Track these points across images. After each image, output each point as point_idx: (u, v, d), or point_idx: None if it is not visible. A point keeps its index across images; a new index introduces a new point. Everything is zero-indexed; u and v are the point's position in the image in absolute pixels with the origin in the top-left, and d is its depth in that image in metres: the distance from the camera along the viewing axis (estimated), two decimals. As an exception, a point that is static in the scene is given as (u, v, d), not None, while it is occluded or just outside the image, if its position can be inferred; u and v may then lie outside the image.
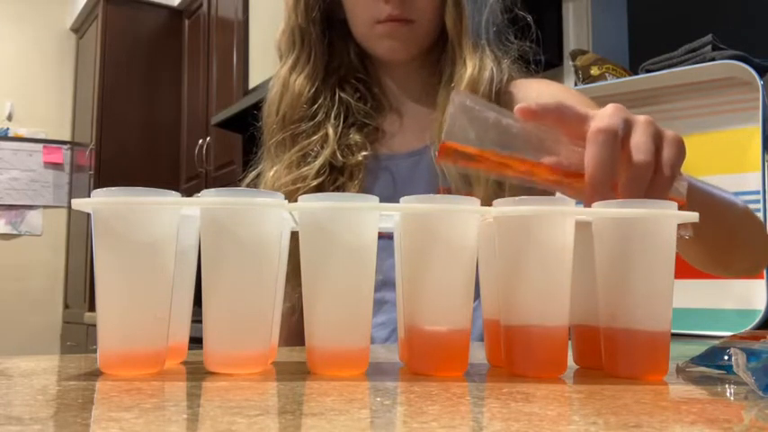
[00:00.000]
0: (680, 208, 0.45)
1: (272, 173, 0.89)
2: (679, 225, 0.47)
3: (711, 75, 1.16)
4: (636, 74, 1.35)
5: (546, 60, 1.79)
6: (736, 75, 1.13)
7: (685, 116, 1.20)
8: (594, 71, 1.45)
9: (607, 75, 1.44)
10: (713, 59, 1.19)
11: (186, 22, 3.71)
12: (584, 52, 1.52)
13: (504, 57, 0.88)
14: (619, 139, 0.47)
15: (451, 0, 0.84)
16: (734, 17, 1.54)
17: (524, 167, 0.49)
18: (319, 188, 0.83)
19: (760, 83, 1.11)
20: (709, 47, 1.24)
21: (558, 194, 0.58)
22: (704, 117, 1.18)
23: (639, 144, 0.48)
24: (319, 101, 0.90)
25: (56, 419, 0.30)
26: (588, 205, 0.46)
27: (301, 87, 0.89)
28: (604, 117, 0.48)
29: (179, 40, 3.72)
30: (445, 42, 0.88)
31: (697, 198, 0.61)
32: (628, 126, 0.49)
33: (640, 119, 0.50)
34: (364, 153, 0.88)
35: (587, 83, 1.43)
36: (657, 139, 0.49)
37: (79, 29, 4.00)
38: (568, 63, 1.65)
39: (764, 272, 1.08)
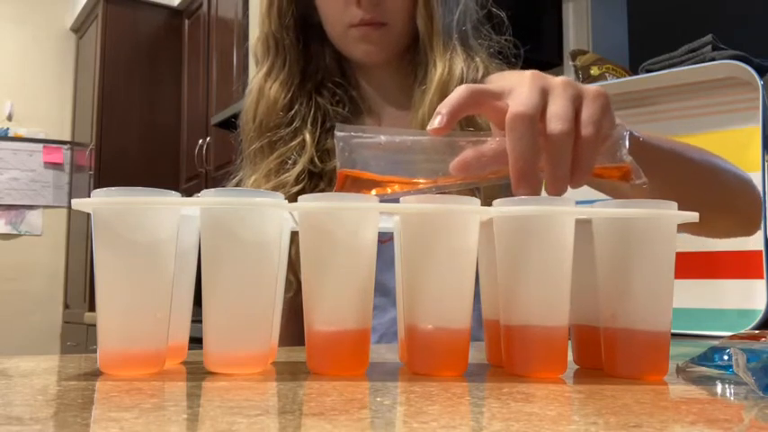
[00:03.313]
0: (626, 173, 0.43)
1: (251, 181, 0.89)
2: (633, 173, 0.46)
3: (711, 75, 1.16)
4: (636, 74, 1.35)
5: (546, 60, 1.80)
6: (736, 75, 1.13)
7: (685, 116, 1.20)
8: (594, 71, 1.45)
9: (607, 75, 1.45)
10: (713, 59, 1.19)
11: (186, 22, 3.71)
12: (584, 52, 1.52)
13: (477, 54, 0.88)
14: (536, 119, 0.45)
15: (422, 1, 0.83)
16: (734, 17, 1.54)
17: (428, 185, 0.48)
18: (300, 195, 0.83)
19: (760, 83, 1.11)
20: (710, 47, 1.24)
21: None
22: (704, 117, 1.18)
23: (554, 113, 0.46)
24: (296, 107, 0.89)
25: (56, 419, 0.30)
26: (516, 193, 0.45)
27: (277, 94, 0.89)
28: (519, 97, 0.46)
29: (179, 40, 3.72)
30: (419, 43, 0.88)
31: (654, 154, 0.59)
32: (544, 97, 0.47)
33: (557, 83, 0.48)
34: None
35: (587, 83, 1.43)
36: (576, 100, 0.47)
37: (79, 29, 4.00)
38: (568, 63, 1.65)
39: (764, 272, 1.08)
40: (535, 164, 0.46)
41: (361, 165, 0.48)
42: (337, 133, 0.48)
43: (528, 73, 0.48)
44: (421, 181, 0.48)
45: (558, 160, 0.46)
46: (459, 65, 0.84)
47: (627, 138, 0.49)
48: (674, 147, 0.67)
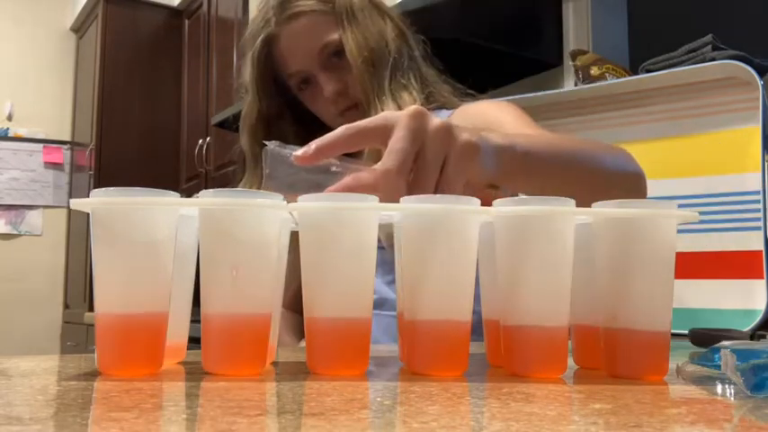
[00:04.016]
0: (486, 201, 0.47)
1: (242, 182, 0.99)
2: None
3: (711, 75, 1.16)
4: (636, 74, 1.35)
5: (546, 60, 1.79)
6: (736, 75, 1.13)
7: (685, 116, 1.20)
8: (594, 71, 1.45)
9: (607, 75, 1.44)
10: (713, 59, 1.19)
11: (186, 22, 3.70)
12: (584, 52, 1.52)
13: (429, 92, 0.98)
14: (405, 173, 0.49)
15: (366, 76, 0.94)
16: (734, 17, 1.54)
17: None
18: None
19: (760, 83, 1.11)
20: (710, 47, 1.24)
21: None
22: (704, 117, 1.18)
23: (418, 181, 0.50)
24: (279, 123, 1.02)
25: (56, 419, 0.30)
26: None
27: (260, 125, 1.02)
28: (393, 147, 0.49)
29: (179, 40, 3.72)
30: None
31: (538, 164, 0.62)
32: (418, 142, 0.50)
33: (430, 136, 0.50)
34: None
35: (587, 83, 1.43)
36: (445, 150, 0.51)
37: (79, 29, 4.00)
38: (568, 63, 1.65)
39: (764, 272, 1.08)
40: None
41: (276, 175, 0.52)
42: (267, 147, 0.52)
43: (404, 120, 0.50)
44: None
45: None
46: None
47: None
48: (560, 151, 0.69)
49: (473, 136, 0.52)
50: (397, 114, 0.51)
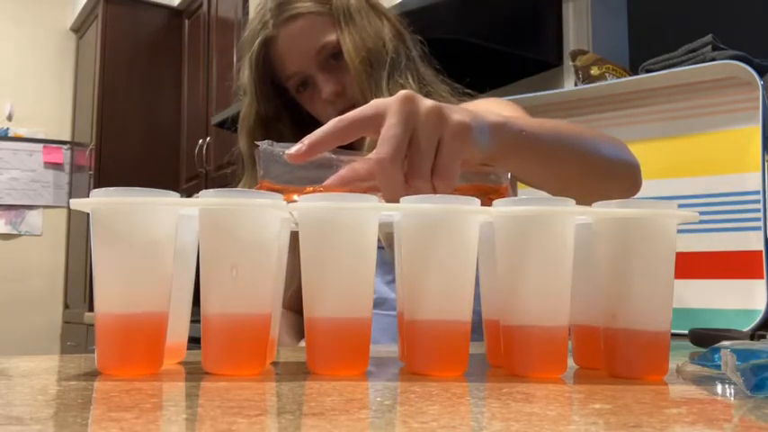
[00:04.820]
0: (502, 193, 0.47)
1: (241, 183, 0.99)
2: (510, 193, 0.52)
3: (711, 75, 1.16)
4: (636, 74, 1.35)
5: (546, 60, 1.79)
6: (736, 75, 1.13)
7: (685, 116, 1.20)
8: (594, 71, 1.45)
9: (607, 75, 1.44)
10: (713, 59, 1.19)
11: (186, 22, 3.70)
12: (584, 52, 1.52)
13: (427, 92, 0.97)
14: (400, 159, 0.49)
15: (364, 76, 0.94)
16: (734, 17, 1.54)
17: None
18: None
19: (760, 83, 1.11)
20: (710, 47, 1.24)
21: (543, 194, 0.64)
22: (704, 117, 1.18)
23: (413, 168, 0.49)
24: (277, 124, 1.02)
25: (56, 419, 0.30)
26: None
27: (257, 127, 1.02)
28: (385, 134, 0.49)
29: (179, 40, 3.72)
30: None
31: (536, 143, 0.62)
32: (410, 127, 0.49)
33: (421, 118, 0.50)
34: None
35: (587, 83, 1.43)
36: (438, 131, 0.50)
37: (79, 29, 4.00)
38: (568, 63, 1.65)
39: (764, 272, 1.08)
40: (402, 192, 0.48)
41: (270, 171, 0.52)
42: (259, 146, 0.52)
43: (395, 105, 0.50)
44: (309, 188, 0.52)
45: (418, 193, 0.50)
46: None
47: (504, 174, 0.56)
48: (555, 132, 0.68)
49: (466, 116, 0.52)
50: (387, 101, 0.50)
